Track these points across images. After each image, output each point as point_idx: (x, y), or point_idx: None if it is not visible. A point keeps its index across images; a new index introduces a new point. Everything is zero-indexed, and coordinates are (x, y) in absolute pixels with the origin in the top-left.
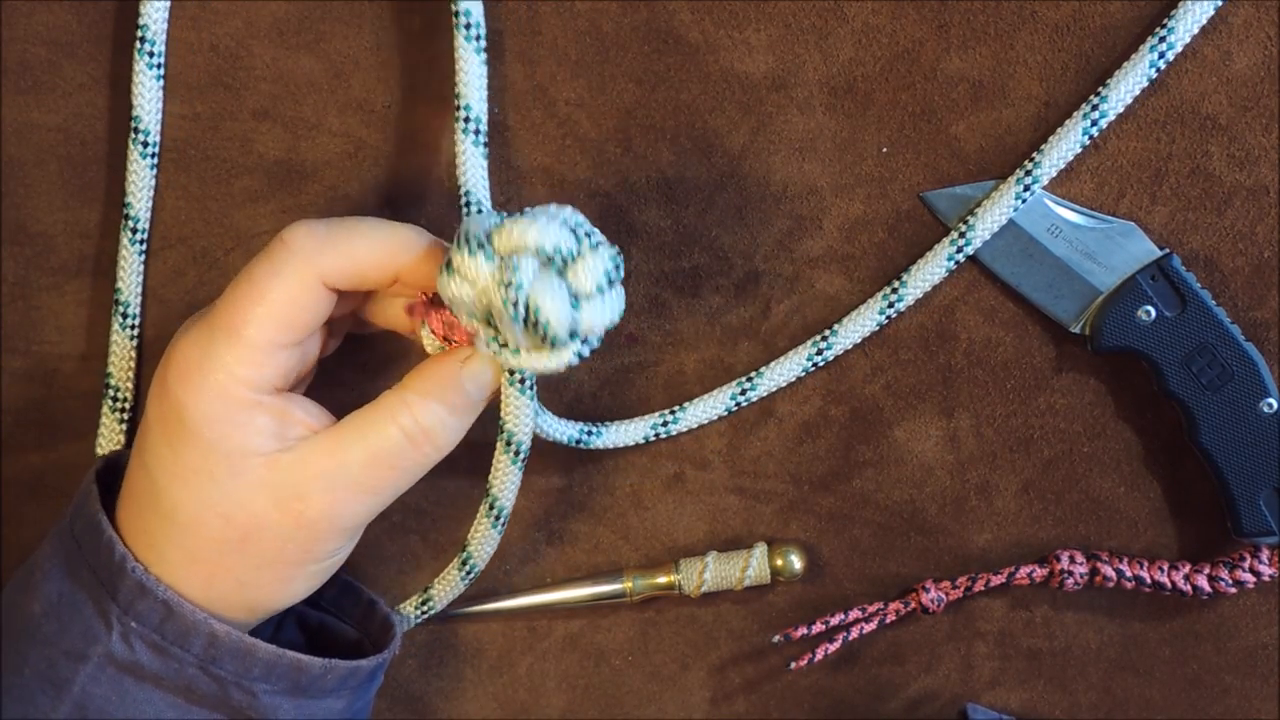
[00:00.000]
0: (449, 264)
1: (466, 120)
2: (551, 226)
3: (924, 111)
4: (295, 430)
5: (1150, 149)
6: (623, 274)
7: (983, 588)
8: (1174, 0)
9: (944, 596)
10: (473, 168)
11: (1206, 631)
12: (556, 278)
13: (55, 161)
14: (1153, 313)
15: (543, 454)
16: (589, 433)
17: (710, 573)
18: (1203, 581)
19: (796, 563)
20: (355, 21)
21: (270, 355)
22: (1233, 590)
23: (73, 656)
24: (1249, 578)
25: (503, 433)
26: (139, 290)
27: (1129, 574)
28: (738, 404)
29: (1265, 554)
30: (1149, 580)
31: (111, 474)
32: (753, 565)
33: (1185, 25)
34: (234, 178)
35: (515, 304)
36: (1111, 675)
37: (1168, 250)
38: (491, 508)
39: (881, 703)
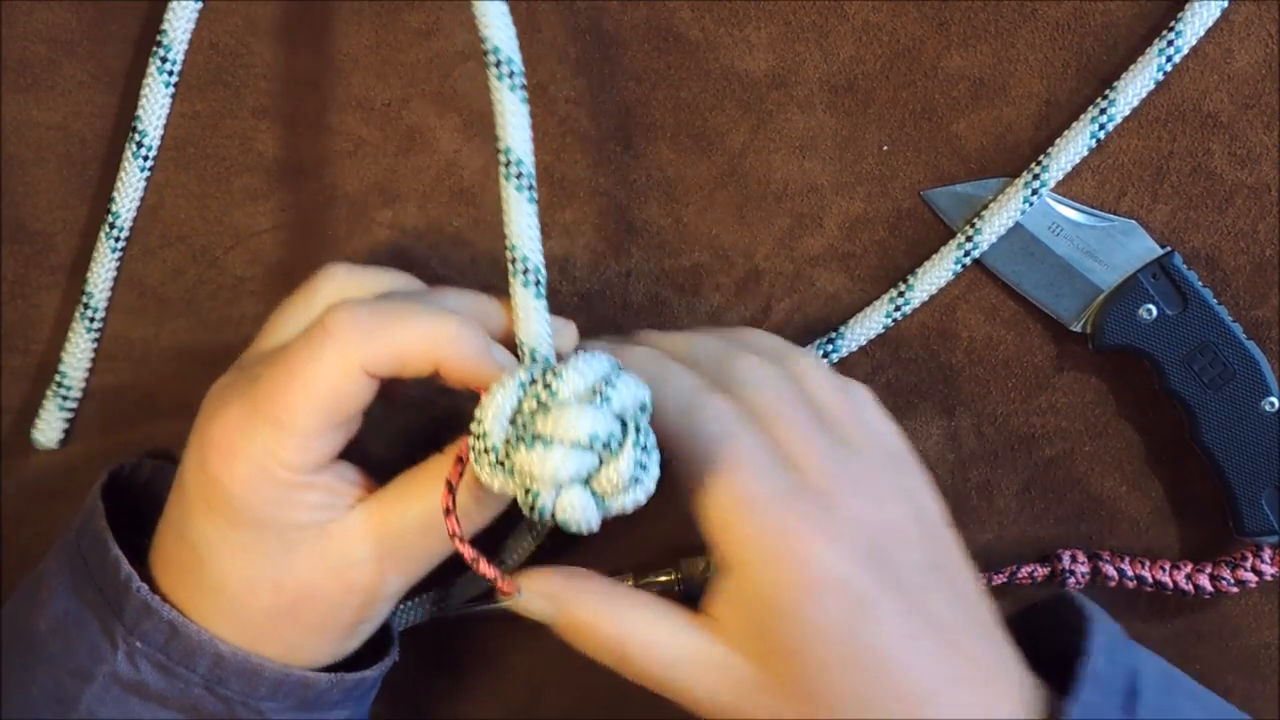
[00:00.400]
0: (475, 455)
1: (526, 272)
2: (565, 459)
3: (925, 109)
4: (344, 499)
5: (1151, 147)
6: (652, 439)
7: (984, 583)
8: (1180, 0)
9: None
10: (534, 319)
11: (1208, 631)
12: (580, 489)
13: (55, 160)
14: (1154, 311)
15: None
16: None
17: (710, 572)
18: (1204, 581)
19: None
20: (355, 20)
21: (314, 440)
22: (1234, 590)
23: (78, 676)
24: (1251, 577)
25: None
26: (108, 290)
27: (1130, 573)
28: None
29: (1267, 553)
30: (1150, 580)
31: (116, 488)
32: None
33: (1193, 27)
34: (234, 176)
35: (539, 521)
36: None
37: (1169, 248)
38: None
39: None
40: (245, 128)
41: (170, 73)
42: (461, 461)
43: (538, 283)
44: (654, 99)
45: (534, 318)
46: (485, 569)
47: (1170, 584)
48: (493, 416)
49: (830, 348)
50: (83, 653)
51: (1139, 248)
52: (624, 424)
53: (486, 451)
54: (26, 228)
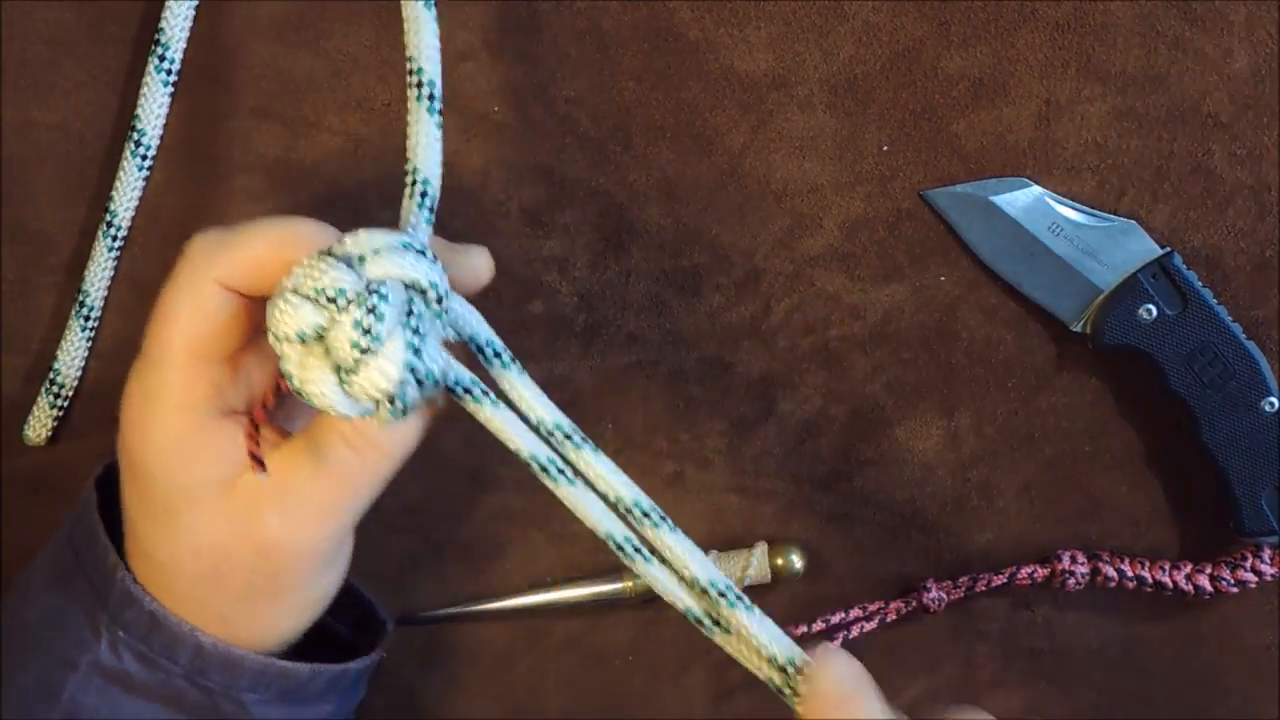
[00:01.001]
0: None
1: (420, 85)
2: (289, 309)
3: (924, 110)
4: (244, 454)
5: (1151, 147)
6: (393, 325)
7: (984, 588)
8: None
9: (945, 596)
10: (427, 140)
11: (1208, 632)
12: (321, 355)
13: (55, 160)
14: (1154, 311)
15: None
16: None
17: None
18: (1204, 581)
19: (797, 562)
20: (354, 19)
21: (195, 372)
22: (1234, 590)
23: (64, 665)
24: (1251, 577)
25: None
26: (105, 289)
27: (1130, 574)
28: None
29: (1267, 553)
30: (1150, 580)
31: (112, 476)
32: (753, 564)
33: None
34: (233, 176)
35: (296, 392)
36: (1113, 675)
37: (1169, 248)
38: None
39: None
40: (245, 128)
41: (169, 71)
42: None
43: (431, 96)
44: (654, 99)
45: (426, 141)
46: (249, 444)
47: (1170, 584)
48: (282, 279)
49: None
50: (69, 642)
51: (1139, 248)
52: (367, 290)
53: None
54: (26, 228)
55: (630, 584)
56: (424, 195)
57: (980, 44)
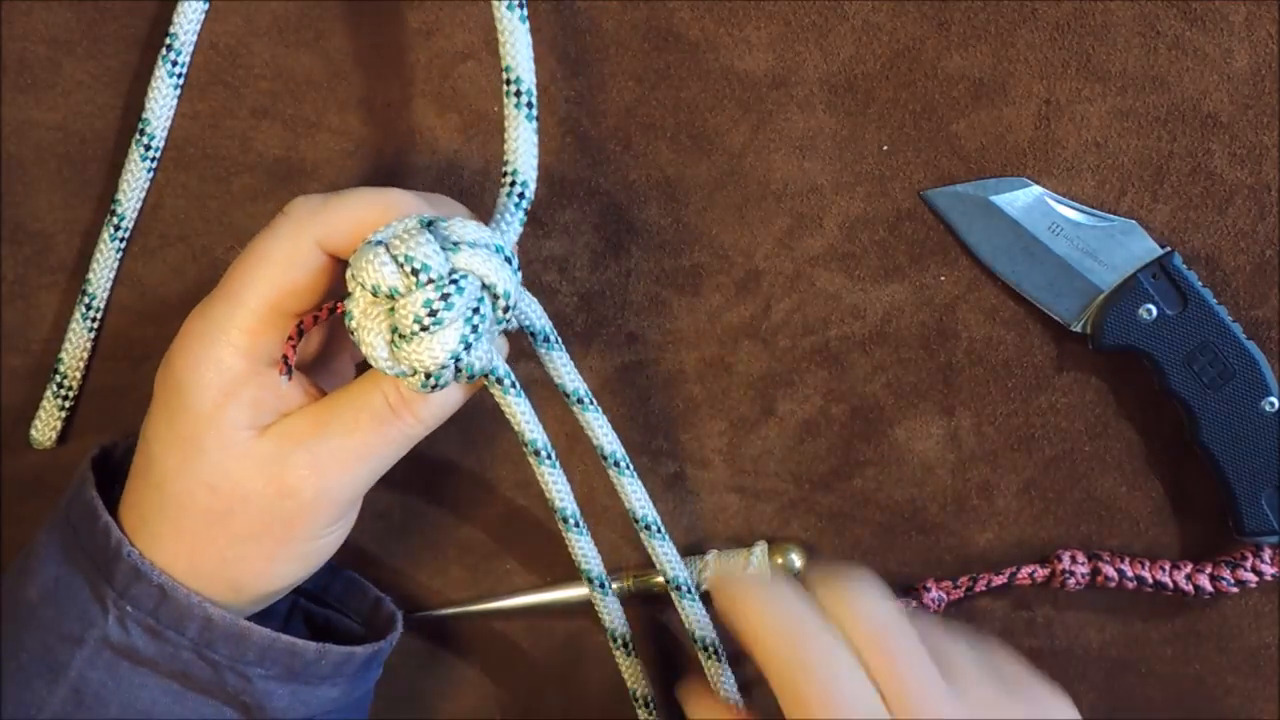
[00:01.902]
0: None
1: (519, 94)
2: (375, 263)
3: (925, 109)
4: (285, 404)
5: (1151, 147)
6: (457, 315)
7: (984, 588)
8: None
9: (945, 596)
10: (525, 143)
11: (1208, 631)
12: (382, 314)
13: (55, 160)
14: (1154, 311)
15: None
16: (546, 340)
17: (711, 572)
18: (1204, 581)
19: (797, 561)
20: (355, 20)
21: (268, 321)
22: (1234, 590)
23: (69, 640)
24: (1251, 577)
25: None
26: (108, 286)
27: (1130, 574)
28: None
29: (1267, 553)
30: (1150, 580)
31: (107, 464)
32: (753, 564)
33: None
34: (234, 176)
35: (350, 331)
36: (1113, 675)
37: (1169, 248)
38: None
39: None
40: (245, 128)
41: (179, 75)
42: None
43: (530, 105)
44: (654, 99)
45: (523, 141)
46: (287, 348)
47: (1170, 584)
48: (377, 231)
49: None
50: (73, 618)
51: (1139, 248)
52: (448, 276)
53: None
54: (26, 228)
55: (630, 584)
56: (521, 196)
57: (980, 44)
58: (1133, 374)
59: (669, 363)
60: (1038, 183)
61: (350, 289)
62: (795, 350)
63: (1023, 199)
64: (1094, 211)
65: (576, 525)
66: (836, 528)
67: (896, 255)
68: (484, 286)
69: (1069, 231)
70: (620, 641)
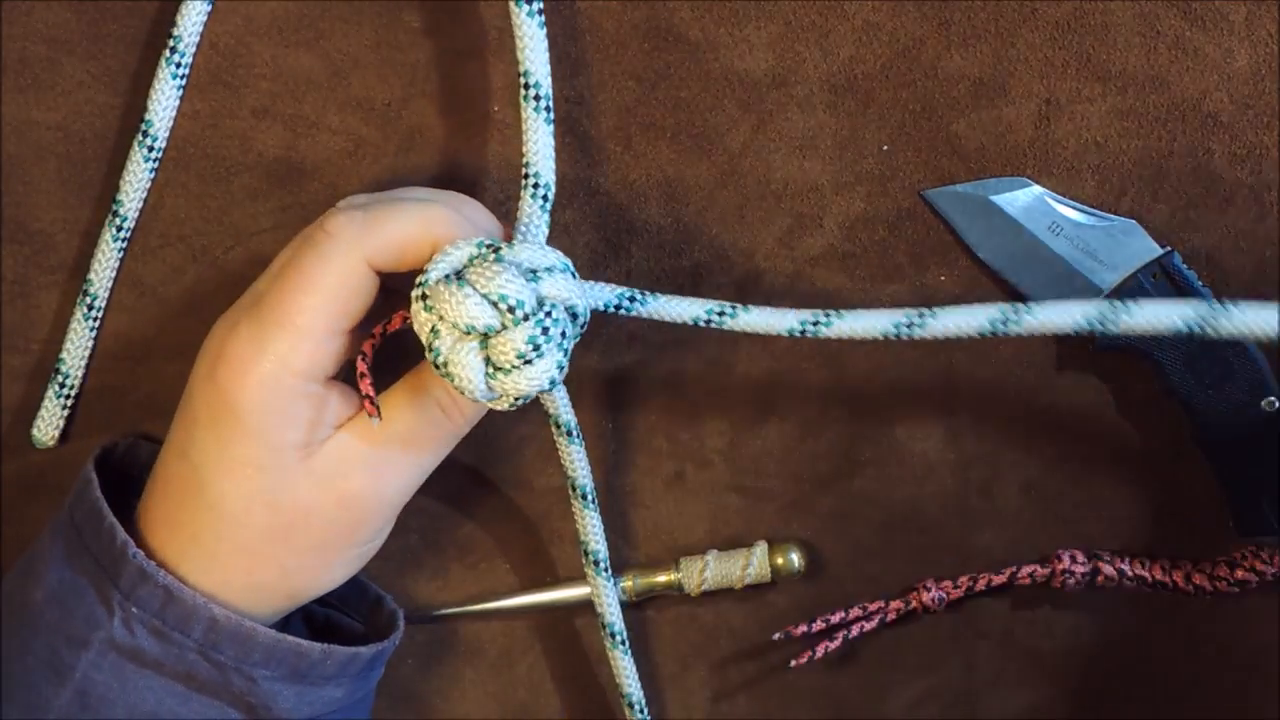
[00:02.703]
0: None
1: (537, 99)
2: (469, 304)
3: (925, 109)
4: (335, 417)
5: (1151, 147)
6: (559, 339)
7: (984, 587)
8: None
9: (945, 595)
10: (544, 145)
11: (1208, 631)
12: (476, 348)
13: (55, 160)
14: None
15: (542, 454)
16: (631, 299)
17: (710, 571)
18: (1204, 581)
19: (797, 561)
20: (355, 19)
21: (323, 344)
22: (1234, 590)
23: (74, 643)
24: (1250, 577)
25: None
26: (109, 284)
27: (1130, 574)
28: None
29: (1267, 553)
30: (1150, 580)
31: (108, 463)
32: (753, 564)
33: None
34: (233, 176)
35: (435, 364)
36: (1113, 675)
37: (1169, 248)
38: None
39: (882, 703)
40: (245, 127)
41: (182, 76)
42: (408, 309)
43: (548, 109)
44: (654, 99)
45: (542, 143)
46: (365, 387)
47: (1170, 584)
48: (440, 258)
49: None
50: (79, 620)
51: (1139, 247)
52: (540, 308)
53: (418, 286)
54: (26, 228)
55: (630, 584)
56: (545, 199)
57: (980, 44)
58: (1133, 374)
59: (669, 362)
60: (1038, 183)
61: (433, 325)
62: (795, 350)
63: (1023, 199)
64: (1094, 211)
65: (587, 499)
66: (837, 527)
67: (896, 255)
68: (566, 309)
69: (1069, 231)
70: (618, 639)
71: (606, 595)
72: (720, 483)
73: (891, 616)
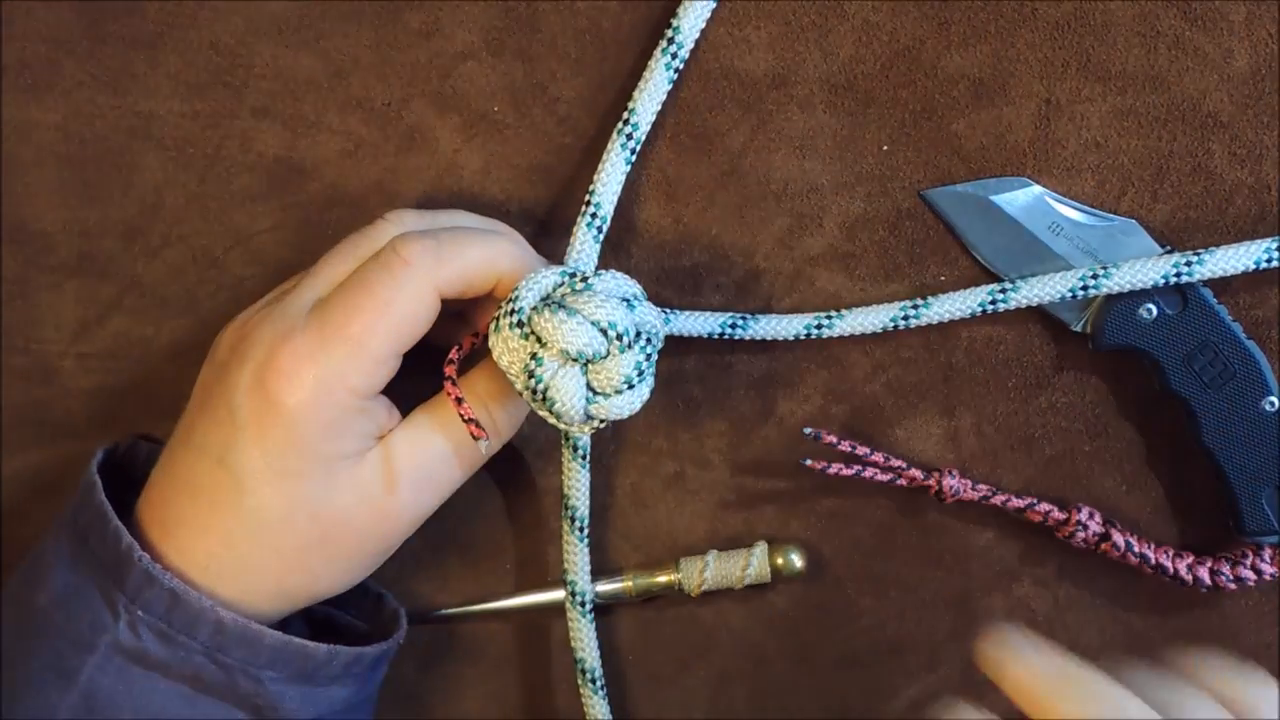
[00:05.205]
0: (496, 321)
1: (629, 138)
2: (581, 330)
3: (925, 109)
4: (378, 429)
5: (1151, 146)
6: (653, 365)
7: (1000, 504)
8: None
9: (961, 490)
10: (612, 178)
11: (1208, 631)
12: (579, 373)
13: (55, 160)
14: (1154, 311)
15: (541, 454)
16: (734, 325)
17: (710, 571)
18: (1204, 573)
19: (797, 561)
20: (355, 20)
21: (385, 365)
22: (1233, 586)
23: (80, 646)
24: (1250, 575)
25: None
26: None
27: (1136, 549)
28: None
29: (1267, 553)
30: (1153, 560)
31: (109, 463)
32: (753, 564)
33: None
34: (234, 176)
35: (533, 391)
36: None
37: (1169, 248)
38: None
39: (882, 703)
40: (245, 128)
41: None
42: (477, 336)
43: (634, 150)
44: None
45: (615, 176)
46: (466, 411)
47: (1171, 569)
48: (530, 285)
49: (826, 324)
50: (84, 624)
51: (1139, 247)
52: (638, 334)
53: (512, 313)
54: (27, 227)
55: (630, 584)
56: (600, 230)
57: (980, 44)
58: (1133, 374)
59: (669, 362)
60: (1038, 182)
61: (531, 352)
62: (795, 350)
63: (1023, 199)
64: (1094, 211)
65: (581, 529)
66: (837, 527)
67: (896, 255)
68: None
69: (1069, 231)
70: (589, 676)
71: (585, 634)
72: (720, 483)
73: (904, 482)
